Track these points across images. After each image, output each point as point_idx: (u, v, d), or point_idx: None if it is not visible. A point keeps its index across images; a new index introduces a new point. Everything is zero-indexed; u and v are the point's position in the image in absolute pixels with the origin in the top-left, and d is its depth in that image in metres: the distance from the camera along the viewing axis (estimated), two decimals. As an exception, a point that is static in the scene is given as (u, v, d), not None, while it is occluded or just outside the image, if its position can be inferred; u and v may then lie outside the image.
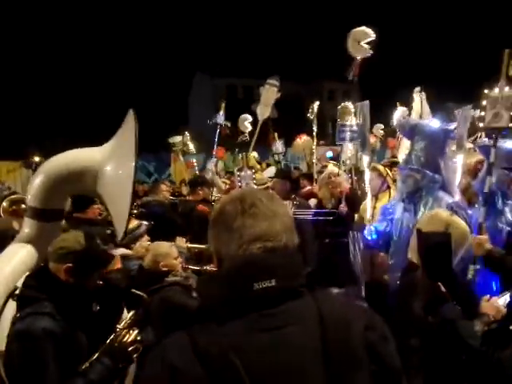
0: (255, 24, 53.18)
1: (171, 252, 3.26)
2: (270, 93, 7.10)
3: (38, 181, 2.03)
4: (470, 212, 3.61)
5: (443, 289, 2.44)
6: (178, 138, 11.58)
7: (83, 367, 2.01)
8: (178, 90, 40.69)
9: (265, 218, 1.15)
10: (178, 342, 1.09)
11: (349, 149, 6.22)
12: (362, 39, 5.34)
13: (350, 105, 5.94)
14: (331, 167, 6.28)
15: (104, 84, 35.46)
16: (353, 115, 5.64)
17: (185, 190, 8.40)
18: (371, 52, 5.39)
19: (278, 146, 9.36)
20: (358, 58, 5.41)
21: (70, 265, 2.05)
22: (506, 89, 3.22)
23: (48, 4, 46.24)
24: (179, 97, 39.92)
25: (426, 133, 3.55)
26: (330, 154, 9.04)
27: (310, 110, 8.51)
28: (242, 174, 5.91)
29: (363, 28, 5.37)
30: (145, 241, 3.67)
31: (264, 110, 7.18)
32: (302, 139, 8.58)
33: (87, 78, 35.60)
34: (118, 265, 3.47)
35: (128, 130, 1.82)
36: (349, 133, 5.56)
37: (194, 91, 39.85)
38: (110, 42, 45.18)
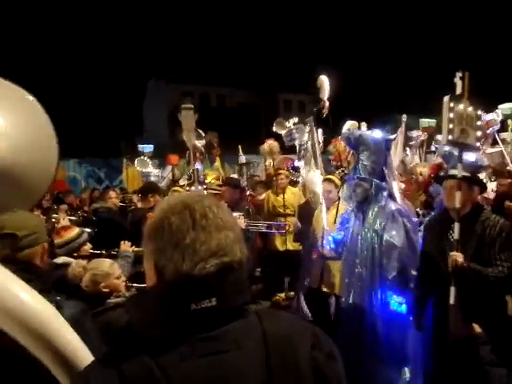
0: (212, 31, 53.29)
1: (112, 271, 2.95)
2: (188, 117, 5.85)
3: None
4: (415, 220, 3.70)
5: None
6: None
7: None
8: (131, 95, 39.89)
9: (217, 229, 1.04)
10: (104, 379, 0.96)
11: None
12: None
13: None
14: None
15: (55, 88, 34.15)
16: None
17: (135, 197, 8.20)
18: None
19: (242, 158, 9.42)
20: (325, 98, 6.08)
21: None
22: (470, 108, 3.30)
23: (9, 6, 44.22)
24: (133, 102, 39.11)
25: (369, 143, 3.65)
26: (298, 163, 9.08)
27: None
28: (193, 189, 5.75)
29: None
30: (87, 249, 3.50)
31: (189, 137, 5.93)
32: (269, 143, 8.44)
33: (38, 82, 34.20)
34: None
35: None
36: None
37: (149, 97, 39.19)
38: (62, 46, 43.73)
